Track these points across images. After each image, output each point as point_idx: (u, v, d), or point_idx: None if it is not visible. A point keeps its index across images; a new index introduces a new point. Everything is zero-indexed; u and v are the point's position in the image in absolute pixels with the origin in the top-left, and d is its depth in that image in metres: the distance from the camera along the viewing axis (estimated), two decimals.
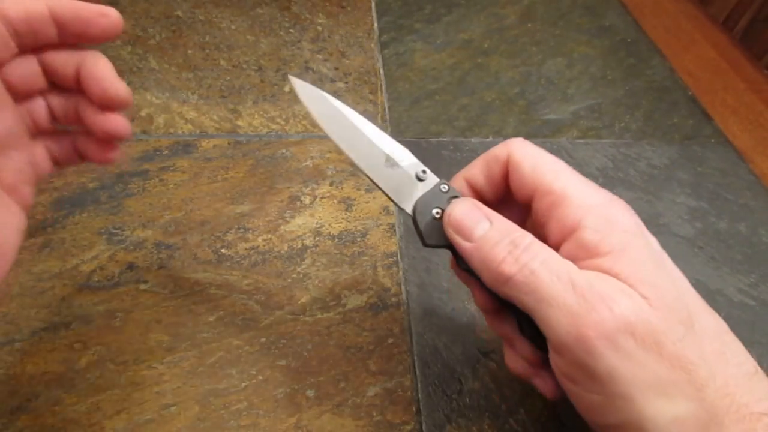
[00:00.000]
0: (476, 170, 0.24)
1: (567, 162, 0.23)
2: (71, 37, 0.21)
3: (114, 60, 0.50)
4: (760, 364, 0.20)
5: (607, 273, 0.19)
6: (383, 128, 0.45)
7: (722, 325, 0.20)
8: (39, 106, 0.23)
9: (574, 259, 0.20)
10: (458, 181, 0.25)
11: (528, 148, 0.23)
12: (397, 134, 0.44)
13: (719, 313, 0.22)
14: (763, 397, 0.19)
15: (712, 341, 0.19)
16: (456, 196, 0.24)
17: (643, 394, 0.18)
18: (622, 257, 0.19)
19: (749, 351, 0.21)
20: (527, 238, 0.21)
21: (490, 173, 0.24)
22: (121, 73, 0.50)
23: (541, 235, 0.22)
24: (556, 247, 0.21)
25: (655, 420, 0.18)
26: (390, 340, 0.31)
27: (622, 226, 0.20)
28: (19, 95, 0.21)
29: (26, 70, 0.21)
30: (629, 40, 0.56)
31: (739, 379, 0.19)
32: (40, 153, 0.23)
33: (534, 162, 0.22)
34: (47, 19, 0.20)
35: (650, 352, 0.18)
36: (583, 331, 0.18)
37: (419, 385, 0.29)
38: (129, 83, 0.46)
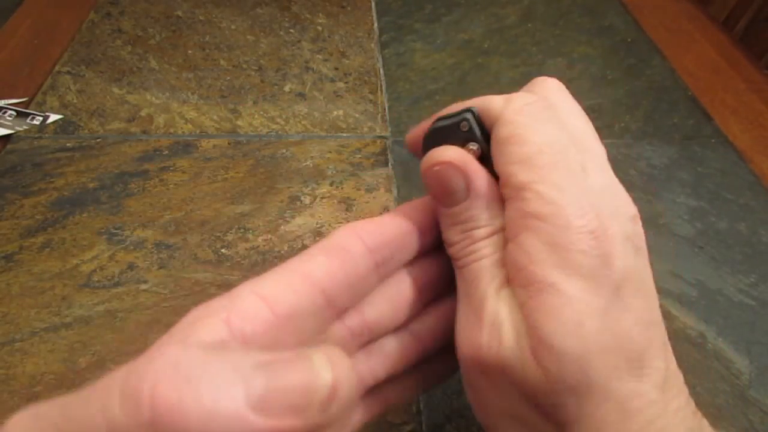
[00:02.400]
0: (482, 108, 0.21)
1: None
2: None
3: (114, 60, 0.50)
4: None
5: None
6: (383, 128, 0.45)
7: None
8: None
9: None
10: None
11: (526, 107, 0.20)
12: (397, 134, 0.44)
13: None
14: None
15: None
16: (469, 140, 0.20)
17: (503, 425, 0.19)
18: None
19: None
20: (481, 232, 0.19)
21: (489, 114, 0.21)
22: (121, 72, 0.50)
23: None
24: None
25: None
26: None
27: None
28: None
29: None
30: (629, 40, 0.56)
31: None
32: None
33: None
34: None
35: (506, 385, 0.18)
36: (466, 352, 0.18)
37: None
38: (129, 83, 0.47)
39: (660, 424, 0.16)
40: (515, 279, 0.17)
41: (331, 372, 0.14)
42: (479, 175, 0.19)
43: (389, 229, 0.19)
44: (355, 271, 0.17)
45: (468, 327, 0.18)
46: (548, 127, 0.19)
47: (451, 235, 0.19)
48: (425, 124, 0.22)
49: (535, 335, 0.16)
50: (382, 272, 0.18)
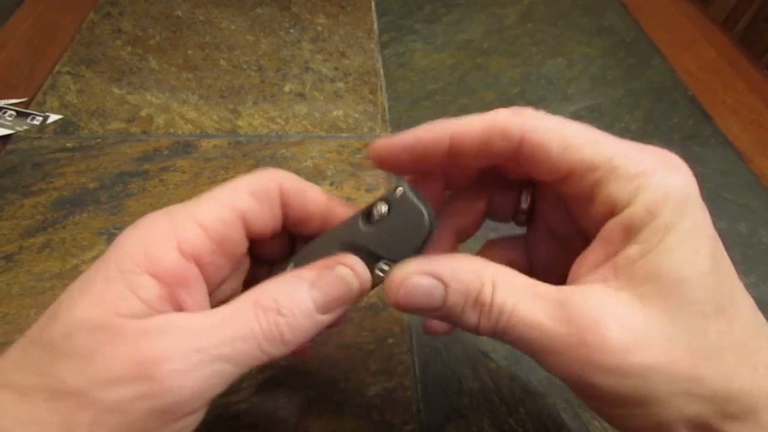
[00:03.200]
0: (473, 135, 0.19)
1: None
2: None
3: (114, 60, 0.50)
4: None
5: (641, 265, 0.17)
6: (383, 128, 0.45)
7: (754, 305, 0.19)
8: None
9: (614, 244, 0.18)
10: (439, 130, 0.19)
11: (547, 122, 0.19)
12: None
13: None
14: None
15: (745, 325, 0.18)
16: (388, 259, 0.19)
17: (670, 400, 0.17)
18: (660, 246, 0.17)
19: None
20: (488, 288, 0.18)
21: (489, 147, 0.19)
22: (121, 73, 0.50)
23: (576, 211, 0.20)
24: (602, 223, 0.18)
25: (678, 421, 0.17)
26: (390, 340, 0.31)
27: (674, 200, 0.17)
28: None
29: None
30: (629, 40, 0.56)
31: None
32: None
33: (563, 140, 0.19)
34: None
35: (667, 359, 0.16)
36: (578, 372, 0.17)
37: (419, 385, 0.29)
38: (129, 83, 0.47)
39: None
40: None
41: (355, 279, 0.19)
42: (445, 274, 0.18)
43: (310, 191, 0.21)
44: (271, 212, 0.21)
45: (564, 354, 0.17)
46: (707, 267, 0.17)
47: (470, 322, 0.18)
48: (397, 140, 0.20)
49: None
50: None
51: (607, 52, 0.55)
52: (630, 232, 0.17)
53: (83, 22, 0.53)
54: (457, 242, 0.23)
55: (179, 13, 0.55)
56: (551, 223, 0.22)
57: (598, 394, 0.17)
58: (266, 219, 0.20)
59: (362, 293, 0.20)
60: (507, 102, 0.48)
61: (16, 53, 0.49)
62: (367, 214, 0.20)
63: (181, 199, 0.38)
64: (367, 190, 0.39)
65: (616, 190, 0.18)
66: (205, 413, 0.18)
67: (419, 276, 0.18)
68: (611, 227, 0.18)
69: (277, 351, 0.18)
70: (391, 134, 0.21)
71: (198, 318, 0.17)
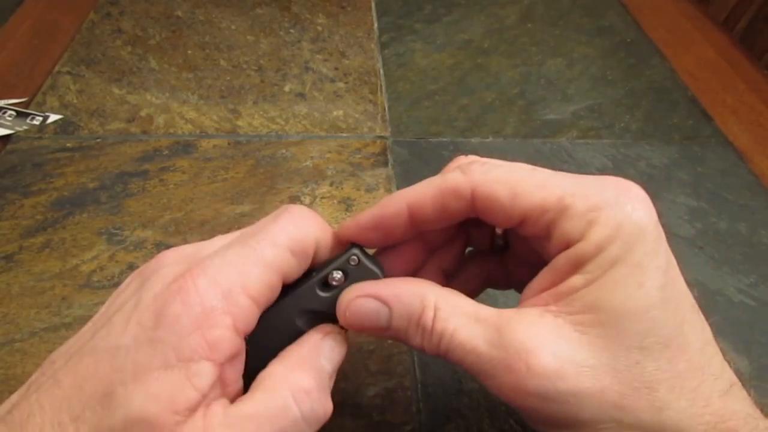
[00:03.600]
0: (426, 201, 0.20)
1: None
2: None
3: (114, 60, 0.50)
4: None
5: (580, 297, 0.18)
6: (383, 128, 0.45)
7: (707, 336, 0.19)
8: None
9: (561, 273, 0.19)
10: (395, 203, 0.21)
11: (492, 173, 0.20)
12: (397, 134, 0.44)
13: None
14: (730, 417, 0.18)
15: (691, 357, 0.18)
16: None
17: (599, 426, 0.17)
18: (600, 279, 0.18)
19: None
20: (430, 312, 0.19)
21: (445, 209, 0.20)
22: (121, 73, 0.50)
23: (538, 248, 0.21)
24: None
25: None
26: (390, 340, 0.31)
27: (625, 233, 0.18)
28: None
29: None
30: (629, 40, 0.56)
31: (712, 397, 0.18)
32: None
33: (509, 187, 0.19)
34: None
35: (594, 387, 0.17)
36: (510, 395, 0.18)
37: (419, 385, 0.29)
38: (129, 83, 0.47)
39: None
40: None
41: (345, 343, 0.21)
42: (390, 295, 0.20)
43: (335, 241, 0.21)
44: (305, 267, 0.20)
45: (499, 378, 0.18)
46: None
47: (415, 343, 0.20)
48: (360, 220, 0.21)
49: None
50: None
51: (607, 52, 0.55)
52: (577, 265, 0.18)
53: (83, 22, 0.53)
54: (445, 279, 0.24)
55: (179, 13, 0.55)
56: (522, 253, 0.23)
57: (532, 415, 0.18)
58: (298, 273, 0.20)
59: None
60: (507, 102, 0.48)
61: (16, 53, 0.49)
62: (323, 281, 0.20)
63: (181, 200, 0.38)
64: (367, 190, 0.39)
65: (569, 227, 0.18)
66: None
67: (365, 299, 0.20)
68: (561, 259, 0.19)
69: (314, 428, 0.18)
70: (353, 215, 0.23)
71: (239, 412, 0.17)
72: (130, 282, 0.19)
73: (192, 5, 0.56)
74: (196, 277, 0.17)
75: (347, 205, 0.38)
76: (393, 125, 0.45)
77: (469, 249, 0.25)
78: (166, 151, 0.41)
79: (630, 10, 0.60)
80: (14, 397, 0.17)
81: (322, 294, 0.20)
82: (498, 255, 0.25)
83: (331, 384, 0.19)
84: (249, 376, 0.19)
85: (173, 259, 0.19)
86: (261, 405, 0.17)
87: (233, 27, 0.54)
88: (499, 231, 0.24)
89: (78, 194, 0.37)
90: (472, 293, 0.24)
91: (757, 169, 0.44)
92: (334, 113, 0.46)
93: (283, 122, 0.44)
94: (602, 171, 0.42)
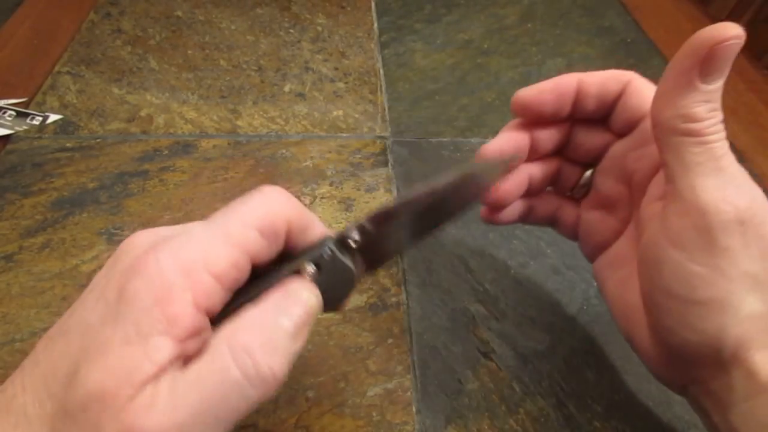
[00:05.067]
0: (595, 80, 0.25)
1: None
2: None
3: (114, 60, 0.50)
4: None
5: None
6: (383, 128, 0.45)
7: None
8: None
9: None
10: (569, 78, 0.26)
11: (646, 82, 0.25)
12: (397, 134, 0.44)
13: None
14: None
15: None
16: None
17: (741, 281, 0.20)
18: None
19: None
20: (719, 114, 0.22)
21: (605, 89, 0.25)
22: (121, 73, 0.50)
23: (640, 153, 0.25)
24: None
25: (738, 308, 0.20)
26: (390, 340, 0.31)
27: None
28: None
29: None
30: (629, 40, 0.56)
31: None
32: None
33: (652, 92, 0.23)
34: None
35: (761, 248, 0.20)
36: (724, 208, 0.20)
37: (419, 385, 0.29)
38: (129, 83, 0.47)
39: None
40: None
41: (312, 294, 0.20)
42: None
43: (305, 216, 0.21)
44: (275, 249, 0.20)
45: (714, 187, 0.20)
46: None
47: (701, 112, 0.21)
48: (541, 85, 0.26)
49: None
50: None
51: (607, 52, 0.55)
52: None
53: (83, 22, 0.53)
54: (525, 188, 0.28)
55: (179, 13, 0.55)
56: (603, 191, 0.27)
57: (713, 232, 0.20)
58: (269, 255, 0.20)
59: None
60: (507, 102, 0.48)
61: (16, 53, 0.49)
62: (296, 272, 0.20)
63: (181, 200, 0.38)
64: (367, 191, 0.39)
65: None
66: None
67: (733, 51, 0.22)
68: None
69: (261, 391, 0.18)
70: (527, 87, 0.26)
71: (184, 379, 0.17)
72: (107, 263, 0.19)
73: (192, 5, 0.56)
74: (158, 252, 0.17)
75: (347, 205, 0.38)
76: (393, 125, 0.45)
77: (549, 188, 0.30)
78: (166, 151, 0.41)
79: (630, 10, 0.60)
80: (6, 382, 0.18)
81: None
82: (575, 200, 0.29)
83: (296, 344, 0.18)
84: None
85: (146, 238, 0.19)
86: (203, 368, 0.17)
87: (233, 27, 0.54)
88: (588, 173, 0.28)
89: (78, 194, 0.37)
90: (539, 220, 0.30)
91: (757, 169, 0.44)
92: (334, 113, 0.46)
93: (283, 122, 0.44)
94: None
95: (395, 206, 0.22)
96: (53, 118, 0.43)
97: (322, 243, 0.21)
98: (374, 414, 0.28)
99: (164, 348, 0.16)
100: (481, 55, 0.53)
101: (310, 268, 0.20)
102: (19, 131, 0.41)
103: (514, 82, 0.50)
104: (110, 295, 0.17)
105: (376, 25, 0.56)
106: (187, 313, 0.17)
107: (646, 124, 0.24)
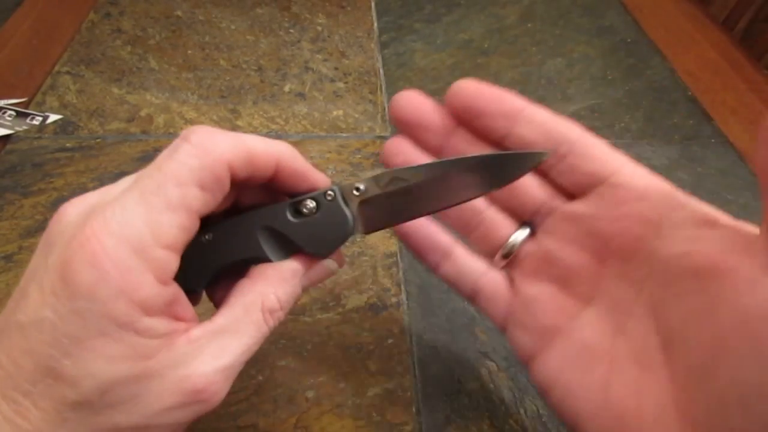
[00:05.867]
0: (534, 126, 0.22)
1: None
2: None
3: (114, 60, 0.50)
4: None
5: None
6: (383, 128, 0.45)
7: None
8: None
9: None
10: (515, 104, 0.22)
11: (594, 142, 0.22)
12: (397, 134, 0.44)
13: None
14: None
15: None
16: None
17: None
18: None
19: None
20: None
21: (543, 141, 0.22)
22: (121, 73, 0.50)
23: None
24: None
25: None
26: (390, 340, 0.31)
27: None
28: None
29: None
30: (629, 40, 0.56)
31: None
32: None
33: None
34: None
35: None
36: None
37: (419, 385, 0.29)
38: (129, 83, 0.47)
39: None
40: None
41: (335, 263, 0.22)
42: None
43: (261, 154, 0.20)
44: (222, 199, 0.19)
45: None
46: None
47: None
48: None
49: None
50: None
51: (607, 52, 0.55)
52: None
53: (83, 22, 0.52)
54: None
55: (179, 13, 0.55)
56: (557, 259, 0.22)
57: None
58: (218, 202, 0.19)
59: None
60: None
61: (16, 53, 0.49)
62: (296, 206, 0.21)
63: None
64: None
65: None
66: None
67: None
68: None
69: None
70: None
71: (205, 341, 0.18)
72: (41, 244, 0.18)
73: (192, 5, 0.56)
74: (100, 235, 0.16)
75: None
76: (393, 125, 0.45)
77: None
78: None
79: (630, 10, 0.60)
80: None
81: (291, 218, 0.20)
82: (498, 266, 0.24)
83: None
84: (204, 275, 0.20)
85: (75, 212, 0.18)
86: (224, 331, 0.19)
87: (233, 27, 0.54)
88: (522, 233, 0.23)
89: (78, 194, 0.37)
90: (452, 286, 0.25)
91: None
92: (334, 113, 0.46)
93: (283, 122, 0.44)
94: None
95: (409, 171, 0.21)
96: (53, 118, 0.43)
97: (329, 187, 0.21)
98: (374, 414, 0.28)
99: (153, 326, 0.17)
100: (481, 55, 0.53)
101: (311, 204, 0.20)
102: (19, 131, 0.41)
103: (514, 82, 0.50)
104: (58, 287, 0.16)
105: (376, 25, 0.56)
106: (155, 293, 0.16)
107: (616, 188, 0.20)
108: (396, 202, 0.21)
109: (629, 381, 0.18)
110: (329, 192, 0.21)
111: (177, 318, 0.18)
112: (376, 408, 0.28)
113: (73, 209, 0.18)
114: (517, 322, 0.22)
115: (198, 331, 0.18)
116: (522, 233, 0.22)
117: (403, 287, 0.34)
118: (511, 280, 0.23)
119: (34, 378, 0.16)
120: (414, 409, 0.28)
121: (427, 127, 0.23)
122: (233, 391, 0.28)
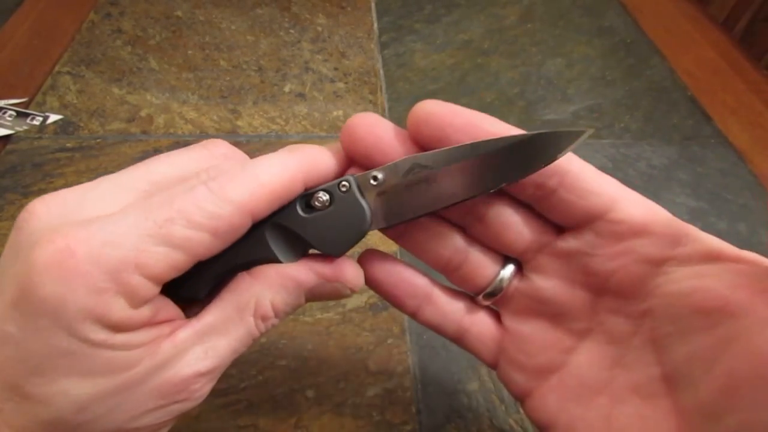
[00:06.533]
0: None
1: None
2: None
3: (114, 60, 0.50)
4: None
5: None
6: None
7: None
8: None
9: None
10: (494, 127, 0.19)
11: (587, 172, 0.20)
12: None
13: None
14: None
15: None
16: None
17: None
18: None
19: None
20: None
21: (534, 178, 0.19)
22: (121, 73, 0.50)
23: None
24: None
25: None
26: (390, 340, 0.31)
27: None
28: None
29: None
30: (629, 40, 0.56)
31: None
32: None
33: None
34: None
35: None
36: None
37: (419, 385, 0.29)
38: (129, 83, 0.47)
39: None
40: None
41: (348, 290, 0.19)
42: None
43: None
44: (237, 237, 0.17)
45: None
46: None
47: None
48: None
49: None
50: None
51: (607, 52, 0.55)
52: None
53: (83, 22, 0.53)
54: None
55: (179, 13, 0.55)
56: (550, 296, 0.21)
57: None
58: (224, 247, 0.17)
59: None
60: (507, 102, 0.48)
61: (16, 53, 0.49)
62: (307, 200, 0.18)
63: None
64: None
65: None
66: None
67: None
68: None
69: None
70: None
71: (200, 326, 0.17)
72: (6, 246, 0.16)
73: (192, 5, 0.56)
74: (77, 248, 0.14)
75: None
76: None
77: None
78: (167, 151, 0.41)
79: (630, 10, 0.60)
80: None
81: (301, 213, 0.18)
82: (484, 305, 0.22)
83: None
84: (205, 281, 0.18)
85: (46, 213, 0.16)
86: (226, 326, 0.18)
87: (233, 27, 0.54)
88: (508, 271, 0.21)
89: None
90: (436, 330, 0.22)
91: (756, 169, 0.44)
92: (334, 113, 0.46)
93: (283, 122, 0.44)
94: (602, 171, 0.42)
95: (433, 156, 0.18)
96: (53, 118, 0.43)
97: (343, 177, 0.19)
98: (374, 414, 0.28)
99: (133, 339, 0.16)
100: (481, 55, 0.53)
101: (323, 197, 0.18)
102: (20, 131, 0.41)
103: (514, 82, 0.50)
104: (22, 301, 0.14)
105: (376, 25, 0.56)
106: (126, 316, 0.15)
107: (613, 224, 0.18)
108: (418, 191, 0.18)
109: (631, 411, 0.18)
110: (344, 182, 0.18)
111: (161, 322, 0.17)
112: (376, 408, 0.28)
113: (45, 208, 0.16)
114: (510, 361, 0.21)
115: (184, 333, 0.17)
116: (508, 269, 0.21)
117: None
118: (498, 316, 0.21)
119: (2, 395, 0.15)
120: (414, 409, 0.28)
121: (383, 154, 0.19)
122: (233, 391, 0.28)
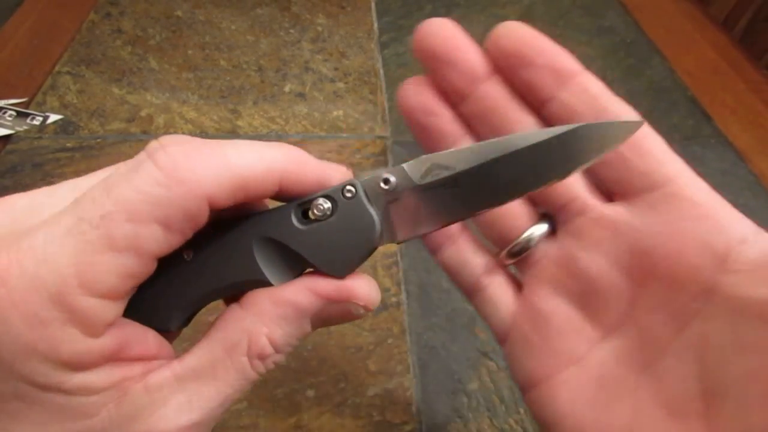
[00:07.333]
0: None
1: None
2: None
3: (114, 60, 0.50)
4: None
5: None
6: (383, 128, 0.45)
7: None
8: None
9: None
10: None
11: (657, 140, 0.18)
12: (397, 135, 0.44)
13: None
14: None
15: None
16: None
17: None
18: None
19: None
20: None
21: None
22: (121, 73, 0.50)
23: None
24: None
25: None
26: (390, 340, 0.31)
27: None
28: None
29: None
30: (629, 40, 0.56)
31: None
32: None
33: None
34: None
35: None
36: None
37: (419, 385, 0.29)
38: (129, 83, 0.47)
39: None
40: None
41: (361, 309, 0.16)
42: None
43: None
44: (189, 233, 0.15)
45: None
46: None
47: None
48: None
49: None
50: None
51: (607, 52, 0.55)
52: None
53: (83, 22, 0.53)
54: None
55: (179, 13, 0.55)
56: (584, 270, 0.19)
57: None
58: (187, 238, 0.14)
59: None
60: None
61: (16, 53, 0.49)
62: (304, 208, 0.15)
63: None
64: None
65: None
66: None
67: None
68: None
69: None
70: None
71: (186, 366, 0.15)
72: None
73: (192, 5, 0.56)
74: (6, 275, 0.12)
75: None
76: (393, 125, 0.45)
77: None
78: None
79: (630, 10, 0.60)
80: None
81: (297, 224, 0.15)
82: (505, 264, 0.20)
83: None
84: (183, 308, 0.15)
85: None
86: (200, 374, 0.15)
87: (233, 27, 0.54)
88: (538, 229, 0.18)
89: None
90: (453, 277, 0.20)
91: (756, 169, 0.44)
92: (334, 113, 0.46)
93: (283, 122, 0.44)
94: None
95: (454, 155, 0.15)
96: (53, 118, 0.43)
97: (347, 181, 0.15)
98: (374, 414, 0.28)
99: (97, 381, 0.13)
100: None
101: (324, 205, 0.15)
102: (20, 131, 0.41)
103: None
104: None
105: (376, 25, 0.56)
106: (83, 348, 0.13)
107: (674, 198, 0.16)
108: (437, 198, 0.15)
109: (655, 428, 0.15)
110: (348, 187, 0.15)
111: (130, 359, 0.14)
112: (376, 408, 0.28)
113: None
114: (522, 338, 0.18)
115: (159, 376, 0.14)
116: (540, 228, 0.18)
117: (403, 287, 0.34)
118: (520, 286, 0.19)
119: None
120: (414, 409, 0.28)
121: (456, 63, 0.17)
122: None
